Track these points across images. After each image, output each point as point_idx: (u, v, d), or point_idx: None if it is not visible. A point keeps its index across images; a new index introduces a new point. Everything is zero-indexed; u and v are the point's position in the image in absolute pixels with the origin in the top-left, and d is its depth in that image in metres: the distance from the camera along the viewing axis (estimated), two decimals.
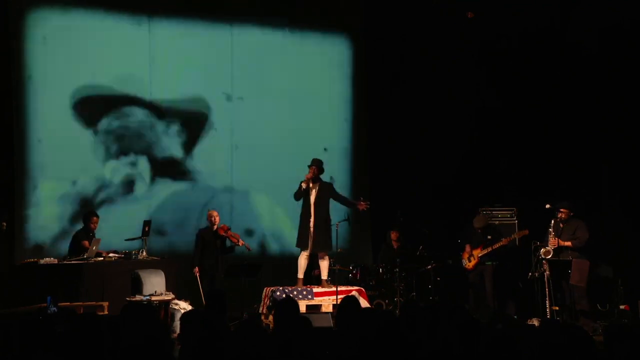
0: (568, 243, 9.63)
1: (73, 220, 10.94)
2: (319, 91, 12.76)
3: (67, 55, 11.12)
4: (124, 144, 11.51)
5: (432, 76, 12.44)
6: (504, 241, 10.44)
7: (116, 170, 11.43)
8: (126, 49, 11.56)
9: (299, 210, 10.26)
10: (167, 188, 11.74)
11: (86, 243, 9.82)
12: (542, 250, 9.72)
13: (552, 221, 9.72)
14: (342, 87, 12.96)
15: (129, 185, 11.47)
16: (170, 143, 11.82)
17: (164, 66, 11.75)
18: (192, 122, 11.97)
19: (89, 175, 11.24)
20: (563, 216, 9.74)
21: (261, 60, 12.38)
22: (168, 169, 11.76)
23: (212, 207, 10.98)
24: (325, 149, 12.31)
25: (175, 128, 11.85)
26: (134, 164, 11.54)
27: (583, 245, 9.60)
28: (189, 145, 11.91)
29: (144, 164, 11.62)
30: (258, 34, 12.39)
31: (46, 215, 10.95)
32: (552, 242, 9.65)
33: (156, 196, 11.65)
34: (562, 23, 11.62)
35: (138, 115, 11.61)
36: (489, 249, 10.46)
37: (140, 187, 11.55)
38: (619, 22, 11.07)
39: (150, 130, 11.67)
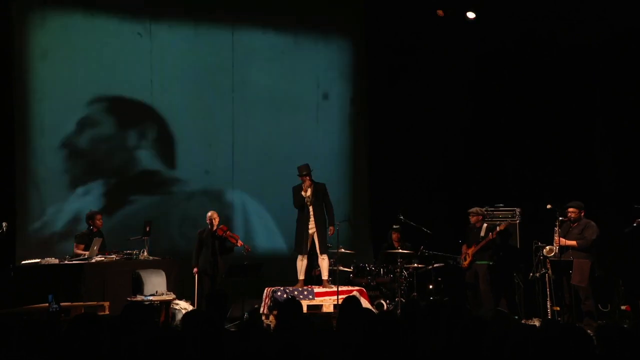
0: (573, 242, 9.60)
1: (77, 221, 10.99)
2: (320, 92, 12.75)
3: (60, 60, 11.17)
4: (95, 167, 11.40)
5: (432, 76, 12.46)
6: (491, 235, 10.45)
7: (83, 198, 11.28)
8: (125, 54, 11.58)
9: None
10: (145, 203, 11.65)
11: (80, 247, 9.90)
12: (546, 249, 9.72)
13: (558, 220, 9.70)
14: (343, 88, 12.96)
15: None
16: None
17: (164, 70, 11.78)
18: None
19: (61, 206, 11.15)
20: (573, 216, 9.70)
21: (261, 61, 12.38)
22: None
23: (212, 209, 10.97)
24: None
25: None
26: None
27: (589, 246, 9.58)
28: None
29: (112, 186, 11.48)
30: (258, 35, 12.39)
31: (48, 215, 10.98)
32: (556, 241, 9.65)
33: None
34: (562, 24, 11.62)
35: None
36: (481, 245, 10.48)
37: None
38: (618, 23, 11.10)
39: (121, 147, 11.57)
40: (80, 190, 11.25)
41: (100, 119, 11.44)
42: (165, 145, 11.86)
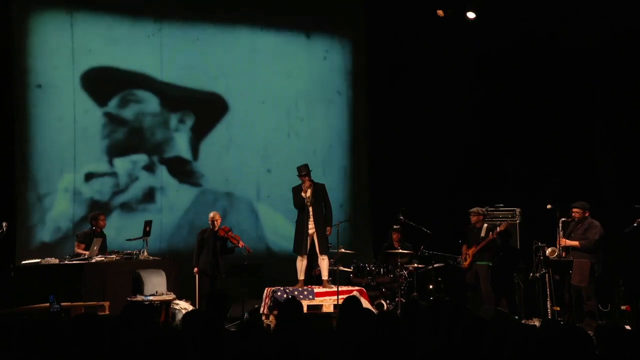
0: (575, 243, 9.59)
1: (77, 221, 10.99)
2: (320, 91, 12.76)
3: (70, 56, 11.16)
4: (134, 140, 11.52)
5: (432, 76, 12.46)
6: (491, 235, 10.45)
7: (128, 172, 11.42)
8: (135, 49, 11.61)
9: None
10: (182, 195, 11.79)
11: (81, 247, 9.90)
12: (548, 250, 9.71)
13: (561, 220, 9.69)
14: (343, 87, 12.96)
15: (148, 195, 11.48)
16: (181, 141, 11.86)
17: (168, 66, 11.79)
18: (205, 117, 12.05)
19: (97, 172, 11.25)
20: (577, 216, 9.67)
21: (261, 61, 12.38)
22: (177, 169, 11.80)
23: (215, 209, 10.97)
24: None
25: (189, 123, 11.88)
26: (149, 168, 11.55)
27: (592, 246, 9.56)
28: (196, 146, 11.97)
29: (159, 169, 11.64)
30: (257, 35, 12.39)
31: (48, 215, 10.97)
32: (559, 242, 9.64)
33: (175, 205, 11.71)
34: (562, 24, 11.63)
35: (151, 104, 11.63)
36: (481, 245, 10.48)
37: (157, 196, 11.61)
38: (618, 23, 11.11)
39: (163, 127, 11.70)
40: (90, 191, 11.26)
41: (101, 117, 11.43)
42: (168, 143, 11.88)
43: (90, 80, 11.25)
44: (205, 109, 12.07)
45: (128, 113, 11.54)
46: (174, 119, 11.82)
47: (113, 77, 11.44)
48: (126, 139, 11.52)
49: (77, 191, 11.14)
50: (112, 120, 11.43)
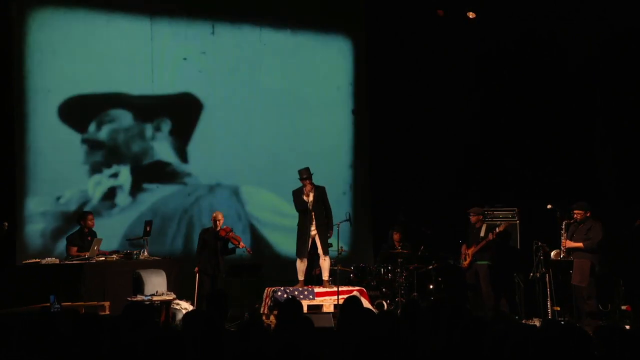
0: (579, 244, 9.58)
1: (58, 233, 10.94)
2: (320, 91, 12.76)
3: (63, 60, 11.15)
4: (113, 156, 11.45)
5: (432, 76, 12.46)
6: (491, 236, 10.45)
7: (99, 183, 11.32)
8: (125, 50, 11.56)
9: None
10: (155, 193, 11.68)
11: (74, 249, 9.83)
12: (553, 253, 9.71)
13: (564, 222, 9.69)
14: (343, 87, 12.96)
15: (110, 197, 11.33)
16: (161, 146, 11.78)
17: (164, 65, 11.77)
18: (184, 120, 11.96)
19: (75, 188, 11.17)
20: (579, 217, 9.68)
21: (260, 61, 12.39)
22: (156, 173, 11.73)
23: (217, 208, 10.96)
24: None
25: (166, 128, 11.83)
26: (116, 175, 11.46)
27: (594, 247, 9.54)
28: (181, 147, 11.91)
29: (126, 173, 11.52)
30: (257, 35, 12.39)
31: (46, 215, 10.98)
32: (563, 244, 9.64)
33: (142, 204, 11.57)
34: (562, 24, 11.64)
35: (126, 119, 11.55)
36: (480, 245, 10.49)
37: (122, 197, 11.45)
38: (618, 23, 11.12)
39: (139, 138, 11.63)
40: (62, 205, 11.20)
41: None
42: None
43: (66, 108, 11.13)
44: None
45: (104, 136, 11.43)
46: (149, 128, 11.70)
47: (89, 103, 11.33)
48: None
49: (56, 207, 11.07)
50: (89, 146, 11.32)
